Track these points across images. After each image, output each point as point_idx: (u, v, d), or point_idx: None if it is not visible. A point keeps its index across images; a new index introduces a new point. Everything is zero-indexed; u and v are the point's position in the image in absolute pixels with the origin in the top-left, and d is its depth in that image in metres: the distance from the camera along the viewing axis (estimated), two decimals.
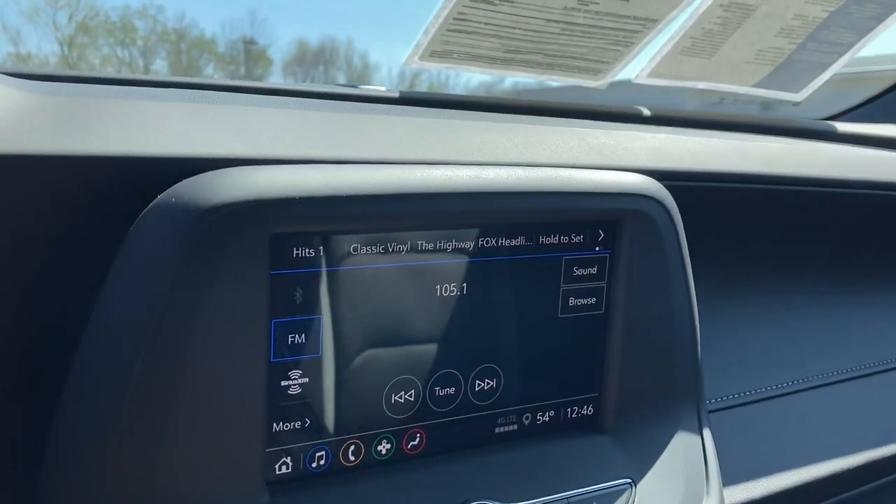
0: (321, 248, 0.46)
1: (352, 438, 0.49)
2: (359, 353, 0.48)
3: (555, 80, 0.92)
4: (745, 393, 0.67)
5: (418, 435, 0.51)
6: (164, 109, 0.49)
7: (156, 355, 0.41)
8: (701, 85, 0.97)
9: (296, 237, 0.45)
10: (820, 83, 0.99)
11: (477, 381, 0.52)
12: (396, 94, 0.72)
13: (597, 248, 0.54)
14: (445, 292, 0.50)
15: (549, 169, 0.52)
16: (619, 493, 0.54)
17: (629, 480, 0.54)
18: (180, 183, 0.44)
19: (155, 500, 0.43)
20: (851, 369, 0.74)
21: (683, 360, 0.56)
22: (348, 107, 0.59)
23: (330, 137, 0.52)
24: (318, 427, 0.48)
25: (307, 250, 0.45)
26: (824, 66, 0.97)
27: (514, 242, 0.51)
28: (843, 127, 0.93)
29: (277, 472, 0.47)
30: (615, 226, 0.54)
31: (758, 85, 1.00)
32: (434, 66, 0.86)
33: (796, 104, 1.02)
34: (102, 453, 0.41)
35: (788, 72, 0.97)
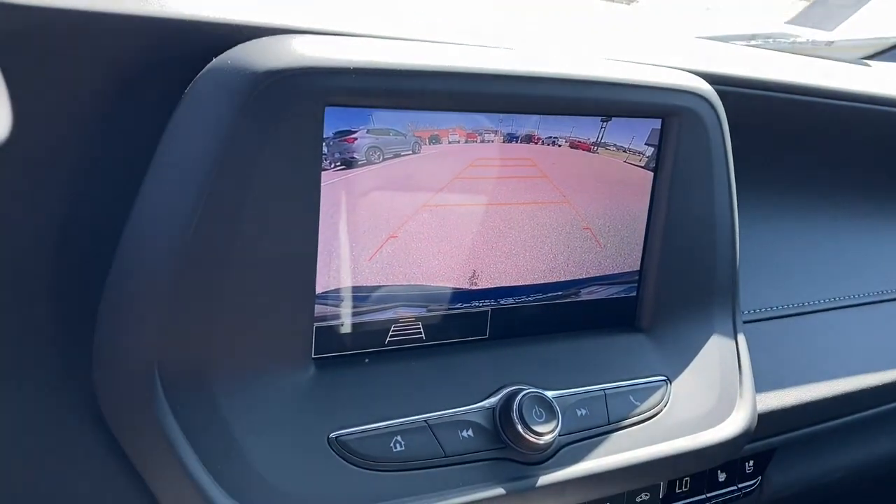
0: (374, 121, 0.45)
1: (396, 319, 0.49)
2: (407, 231, 0.48)
3: None
4: (780, 306, 0.67)
5: (461, 320, 0.51)
6: None
7: (208, 216, 0.41)
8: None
9: (349, 108, 0.44)
10: (854, 22, 0.98)
11: (521, 272, 0.52)
12: None
13: (644, 145, 0.54)
14: (492, 180, 0.50)
15: (603, 60, 0.52)
16: (654, 389, 0.54)
17: (664, 378, 0.55)
18: (237, 47, 0.44)
19: (204, 364, 0.43)
20: (887, 291, 0.74)
21: (722, 263, 0.57)
22: None
23: (387, 15, 0.51)
24: (364, 304, 0.48)
25: (360, 123, 0.45)
26: (860, 3, 0.96)
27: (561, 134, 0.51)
28: (876, 65, 0.92)
29: (324, 348, 0.47)
30: (663, 122, 0.54)
31: (792, 21, 0.99)
32: None
33: (829, 44, 1.01)
34: (154, 312, 0.41)
35: (824, 8, 0.96)
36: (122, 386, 0.42)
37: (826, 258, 0.73)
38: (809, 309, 0.68)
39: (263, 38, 0.44)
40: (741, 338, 0.58)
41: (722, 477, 0.64)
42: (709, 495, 0.62)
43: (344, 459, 0.45)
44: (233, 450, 0.43)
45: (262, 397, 0.44)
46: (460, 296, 0.51)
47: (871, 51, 1.02)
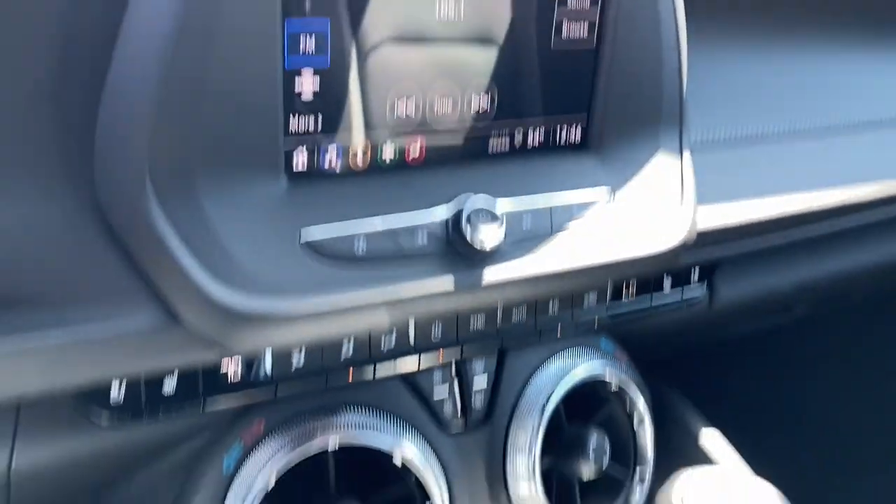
0: None
1: (360, 139, 0.55)
2: (366, 57, 0.53)
3: None
4: (731, 134, 0.71)
5: (419, 141, 0.57)
6: None
7: (185, 42, 0.47)
8: None
9: None
10: None
11: (473, 97, 0.57)
12: None
13: None
14: (447, 10, 0.54)
15: None
16: (597, 202, 0.60)
17: (608, 189, 0.60)
18: None
19: (189, 173, 0.50)
20: (839, 120, 0.76)
21: (668, 85, 0.60)
22: None
23: None
24: (330, 124, 0.54)
25: None
26: None
27: None
28: None
29: (295, 166, 0.54)
30: None
31: None
32: None
33: None
34: (142, 128, 0.48)
35: None
36: (118, 193, 0.50)
37: (780, 87, 0.75)
38: (759, 132, 0.72)
39: None
40: (686, 155, 0.62)
41: (667, 284, 0.70)
42: (654, 295, 0.69)
43: (311, 259, 0.52)
44: (217, 245, 0.50)
45: (240, 204, 0.51)
46: (422, 120, 0.57)
47: None
